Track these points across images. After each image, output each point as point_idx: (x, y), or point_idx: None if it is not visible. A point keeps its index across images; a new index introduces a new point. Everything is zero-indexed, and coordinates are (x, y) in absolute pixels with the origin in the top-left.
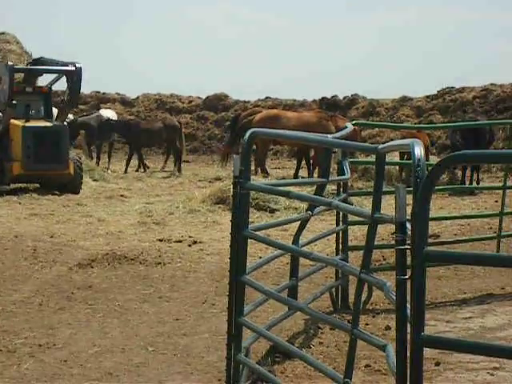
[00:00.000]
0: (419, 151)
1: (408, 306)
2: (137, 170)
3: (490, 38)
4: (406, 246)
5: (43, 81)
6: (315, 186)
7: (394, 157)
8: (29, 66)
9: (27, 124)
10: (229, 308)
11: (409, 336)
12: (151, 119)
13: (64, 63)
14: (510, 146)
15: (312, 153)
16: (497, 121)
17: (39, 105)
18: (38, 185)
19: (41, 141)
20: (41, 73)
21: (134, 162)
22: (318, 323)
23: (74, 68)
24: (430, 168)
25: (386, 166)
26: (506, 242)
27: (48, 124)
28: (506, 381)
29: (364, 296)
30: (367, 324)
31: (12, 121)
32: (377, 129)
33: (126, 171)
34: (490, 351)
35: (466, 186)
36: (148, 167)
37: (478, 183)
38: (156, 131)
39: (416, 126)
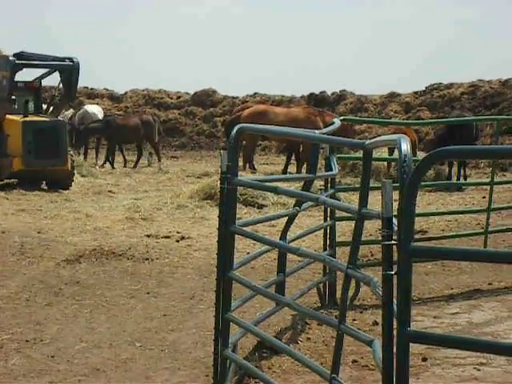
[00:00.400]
0: (406, 147)
1: (394, 301)
2: (124, 166)
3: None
4: (393, 242)
5: (23, 76)
6: (303, 182)
7: (383, 152)
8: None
9: (27, 119)
10: (216, 304)
11: (395, 331)
12: (127, 115)
13: (55, 58)
14: (497, 142)
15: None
16: (484, 117)
17: (30, 100)
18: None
19: (41, 136)
20: (40, 68)
21: (121, 157)
22: (305, 319)
23: (72, 63)
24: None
25: (375, 162)
26: (493, 238)
27: (47, 119)
28: (493, 376)
29: (351, 292)
30: (354, 319)
31: (8, 116)
32: (365, 125)
33: (112, 166)
34: (476, 347)
35: (453, 181)
36: (126, 161)
37: (465, 179)
38: (133, 127)
39: (404, 121)
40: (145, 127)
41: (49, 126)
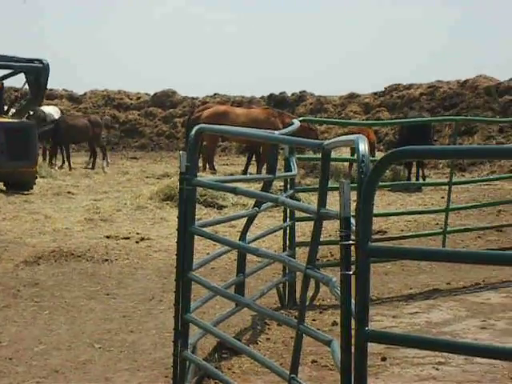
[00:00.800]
0: (363, 147)
1: (353, 301)
2: (61, 167)
3: (437, 34)
4: (351, 242)
5: None
6: (262, 183)
7: (344, 153)
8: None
9: None
10: (175, 304)
11: (354, 331)
12: (75, 116)
13: (19, 59)
14: (455, 143)
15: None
16: (442, 117)
17: None
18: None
19: (12, 137)
20: (4, 68)
21: (81, 158)
22: (265, 319)
23: (41, 65)
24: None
25: (335, 163)
26: (452, 238)
27: (17, 120)
28: (451, 375)
29: (311, 292)
30: (314, 320)
31: None
32: (325, 125)
33: (70, 168)
34: (434, 346)
35: (412, 182)
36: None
37: (423, 179)
38: (81, 127)
39: (363, 122)
40: (93, 127)
41: (20, 127)
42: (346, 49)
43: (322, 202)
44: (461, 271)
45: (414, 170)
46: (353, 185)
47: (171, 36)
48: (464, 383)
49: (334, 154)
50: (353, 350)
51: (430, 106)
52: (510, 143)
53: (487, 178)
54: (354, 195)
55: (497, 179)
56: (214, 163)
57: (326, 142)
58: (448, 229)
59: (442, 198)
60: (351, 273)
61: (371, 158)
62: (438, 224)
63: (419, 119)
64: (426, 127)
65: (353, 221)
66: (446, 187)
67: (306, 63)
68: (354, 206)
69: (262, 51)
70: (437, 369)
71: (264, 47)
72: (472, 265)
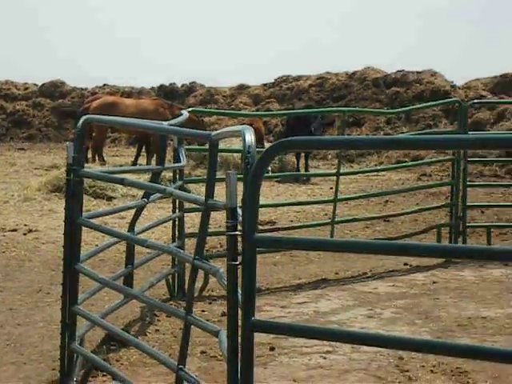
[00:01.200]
0: (250, 137)
1: (240, 291)
2: None
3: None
4: (237, 232)
5: None
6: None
7: (234, 144)
8: None
9: None
10: (63, 296)
11: (241, 321)
12: None
13: None
14: (344, 133)
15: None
16: (331, 108)
17: None
18: None
19: None
20: None
21: None
22: (154, 311)
23: None
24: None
25: (224, 154)
26: (340, 228)
27: None
28: (338, 363)
29: (200, 283)
30: (203, 311)
31: None
32: (215, 116)
33: None
34: (321, 335)
35: (301, 173)
36: None
37: (306, 170)
38: None
39: (253, 113)
40: None
41: None
42: (238, 40)
43: (209, 192)
44: (348, 261)
45: (302, 161)
46: (240, 176)
47: (58, 27)
48: (351, 371)
49: (224, 146)
50: (239, 340)
51: (319, 98)
52: (397, 134)
53: (375, 168)
54: (241, 186)
55: (384, 170)
56: (104, 154)
57: (214, 132)
58: (336, 219)
59: (331, 188)
60: (238, 263)
61: (258, 149)
62: (326, 214)
63: (307, 110)
64: (311, 119)
65: (240, 211)
66: (335, 178)
67: (196, 53)
68: (240, 196)
69: (150, 39)
70: (324, 358)
71: (152, 34)
72: (359, 255)
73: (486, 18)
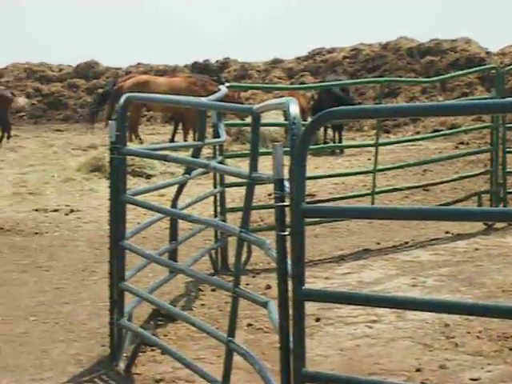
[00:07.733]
0: (294, 109)
1: (288, 262)
2: None
3: None
4: (285, 203)
5: None
6: (191, 150)
7: (266, 118)
8: None
9: None
10: (110, 273)
11: (290, 293)
12: None
13: None
14: (380, 104)
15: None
16: (366, 79)
17: None
18: None
19: None
20: None
21: None
22: (198, 285)
23: None
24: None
25: (262, 129)
26: (380, 199)
27: None
28: (384, 332)
29: (244, 256)
30: (248, 284)
31: None
32: (250, 91)
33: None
34: (367, 301)
35: (340, 144)
36: None
37: (340, 142)
38: None
39: (288, 86)
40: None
41: None
42: (269, 13)
43: (253, 166)
44: (390, 231)
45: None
46: (284, 149)
47: (92, 7)
48: (397, 340)
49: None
50: (290, 311)
51: (353, 69)
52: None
53: (413, 137)
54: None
55: (421, 139)
56: (140, 133)
57: (256, 106)
58: (376, 189)
59: (368, 159)
60: (287, 233)
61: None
62: (365, 186)
63: (343, 82)
64: (344, 91)
65: (286, 183)
66: (372, 149)
67: (229, 29)
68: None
69: (184, 18)
70: (370, 327)
71: (185, 15)
72: (400, 225)
73: None
